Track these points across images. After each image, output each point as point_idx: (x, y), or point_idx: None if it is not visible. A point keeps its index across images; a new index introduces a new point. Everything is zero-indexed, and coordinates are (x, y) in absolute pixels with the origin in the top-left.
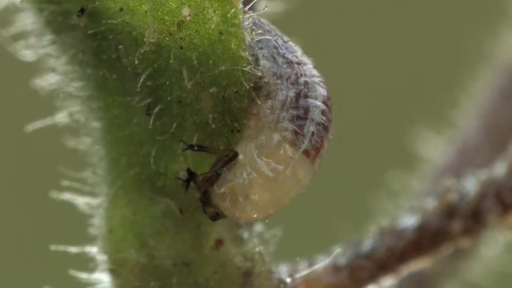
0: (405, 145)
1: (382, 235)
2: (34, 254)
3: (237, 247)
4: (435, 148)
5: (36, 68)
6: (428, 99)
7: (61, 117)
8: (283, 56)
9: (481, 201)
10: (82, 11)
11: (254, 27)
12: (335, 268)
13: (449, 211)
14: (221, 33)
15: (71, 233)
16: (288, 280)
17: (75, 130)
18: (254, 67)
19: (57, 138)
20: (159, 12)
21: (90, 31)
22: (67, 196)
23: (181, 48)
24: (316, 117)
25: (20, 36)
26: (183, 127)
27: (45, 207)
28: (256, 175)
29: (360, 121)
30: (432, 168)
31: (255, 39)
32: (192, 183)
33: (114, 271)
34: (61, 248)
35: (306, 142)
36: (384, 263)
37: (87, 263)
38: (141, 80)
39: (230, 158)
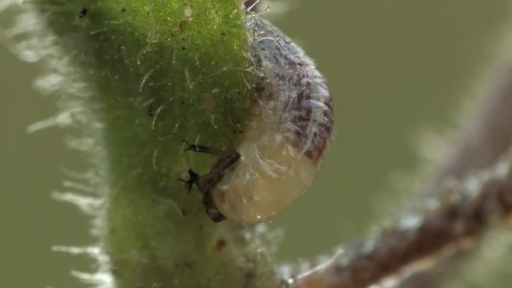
0: (407, 146)
1: (384, 236)
2: (36, 255)
3: (239, 248)
4: (437, 149)
5: (38, 69)
6: (430, 100)
7: (63, 118)
8: (285, 57)
9: (483, 202)
10: (84, 12)
11: (256, 28)
12: (337, 269)
13: (451, 212)
14: (223, 34)
15: (73, 233)
16: (290, 281)
17: (77, 131)
18: (256, 68)
19: (59, 139)
20: (161, 13)
21: (92, 32)
22: (69, 197)
23: (183, 49)
24: (318, 118)
25: (22, 37)
26: (185, 127)
27: (47, 208)
28: (259, 176)
29: (362, 122)
30: (434, 169)
31: (257, 40)
32: (194, 185)
33: (116, 272)
34: (63, 248)
35: (309, 143)
36: (386, 264)
37: (89, 264)
38: (143, 81)
39: (232, 159)
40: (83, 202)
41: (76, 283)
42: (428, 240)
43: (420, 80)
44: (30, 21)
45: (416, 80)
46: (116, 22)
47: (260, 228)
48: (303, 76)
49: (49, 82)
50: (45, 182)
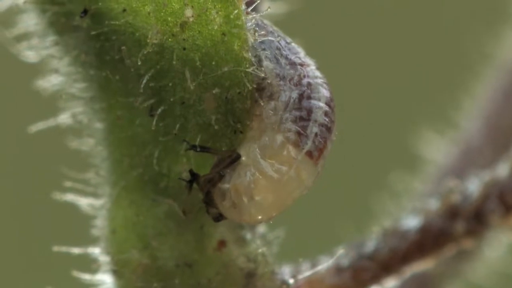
0: (408, 146)
1: (385, 236)
2: (37, 255)
3: (240, 248)
4: (438, 149)
5: (39, 69)
6: (430, 100)
7: (64, 118)
8: (286, 57)
9: (484, 202)
10: (85, 12)
11: (257, 28)
12: (338, 269)
13: (452, 212)
14: (224, 34)
15: (73, 234)
16: (291, 281)
17: (78, 131)
18: (257, 68)
19: (60, 139)
20: (162, 13)
21: (93, 32)
22: (70, 197)
23: (184, 49)
24: (319, 118)
25: (23, 37)
26: (186, 128)
27: (47, 208)
28: (260, 176)
29: (363, 122)
30: (435, 169)
31: (258, 40)
32: (195, 185)
33: (117, 272)
34: (64, 249)
35: (309, 143)
36: (387, 264)
37: (90, 264)
38: (144, 81)
39: (233, 159)
40: (84, 202)
41: (77, 283)
42: (429, 240)
43: (420, 80)
44: (31, 21)
45: (416, 80)
46: (117, 22)
47: (261, 228)
48: (304, 76)
49: (50, 82)
50: (45, 182)
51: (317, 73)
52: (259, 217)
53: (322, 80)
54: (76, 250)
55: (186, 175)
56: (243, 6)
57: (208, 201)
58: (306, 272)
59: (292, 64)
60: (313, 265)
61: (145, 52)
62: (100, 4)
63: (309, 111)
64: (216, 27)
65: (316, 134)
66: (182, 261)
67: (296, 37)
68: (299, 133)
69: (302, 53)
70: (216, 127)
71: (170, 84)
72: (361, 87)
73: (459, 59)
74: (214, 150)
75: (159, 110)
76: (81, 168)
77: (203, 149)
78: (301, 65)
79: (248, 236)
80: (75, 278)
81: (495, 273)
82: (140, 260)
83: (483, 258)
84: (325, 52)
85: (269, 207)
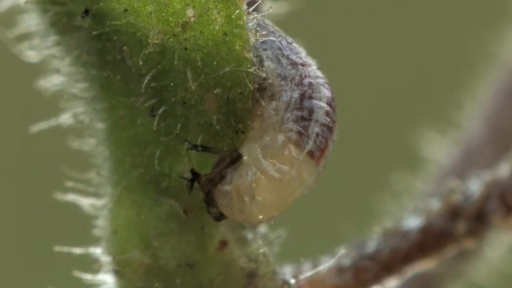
0: (409, 146)
1: (386, 236)
2: (38, 255)
3: (241, 248)
4: (439, 149)
5: (40, 69)
6: (432, 100)
7: (65, 118)
8: (287, 57)
9: (485, 202)
10: (86, 12)
11: (258, 28)
12: (339, 269)
13: (453, 212)
14: (225, 34)
15: (75, 234)
16: (292, 281)
17: (79, 131)
18: (259, 68)
19: (62, 139)
20: (164, 13)
21: (94, 32)
22: (71, 197)
23: (186, 49)
24: (320, 118)
25: (25, 37)
26: (187, 128)
27: (49, 208)
28: (261, 176)
29: (364, 122)
30: (436, 169)
31: (260, 40)
32: (196, 184)
33: (118, 272)
34: (65, 249)
35: (311, 143)
36: (389, 264)
37: (92, 264)
38: (146, 81)
39: (233, 158)
40: (85, 202)
41: (78, 284)
42: (430, 240)
43: (422, 80)
44: (32, 21)
45: (418, 80)
46: (118, 22)
47: (262, 229)
48: (305, 76)
49: (51, 82)
50: (47, 182)
51: (319, 73)
52: (260, 216)
53: (323, 80)
54: (77, 250)
55: (187, 175)
56: (245, 6)
57: (209, 201)
58: (307, 272)
59: (294, 64)
60: (315, 265)
61: (146, 52)
62: (101, 4)
63: (311, 111)
64: (217, 27)
65: (317, 134)
66: (184, 261)
67: (298, 37)
68: (300, 133)
69: (303, 53)
70: (217, 127)
71: (172, 84)
72: (362, 87)
73: (460, 59)
74: (216, 150)
75: (161, 110)
76: (82, 168)
77: (205, 149)
78: (303, 65)
79: (250, 236)
80: (76, 278)
81: (496, 273)
82: (142, 260)
83: (484, 258)
84: (326, 52)
85: (270, 206)
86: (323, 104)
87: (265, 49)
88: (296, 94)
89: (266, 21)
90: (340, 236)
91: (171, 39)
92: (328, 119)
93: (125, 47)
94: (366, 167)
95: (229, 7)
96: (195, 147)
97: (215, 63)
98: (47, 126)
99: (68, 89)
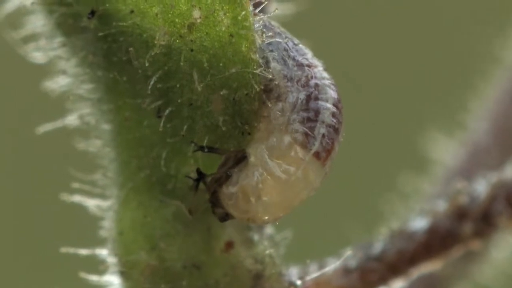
0: (416, 148)
1: (392, 237)
2: (45, 257)
3: (248, 249)
4: (446, 151)
5: (46, 70)
6: (439, 102)
7: (71, 120)
8: (294, 59)
9: (492, 203)
10: (92, 13)
11: (264, 30)
12: (346, 271)
13: (460, 214)
14: (231, 35)
15: (81, 235)
16: (299, 282)
17: (85, 132)
18: (265, 70)
19: (68, 140)
20: (170, 15)
21: (100, 33)
22: (77, 198)
23: (192, 50)
24: (326, 119)
25: (31, 38)
26: (193, 129)
27: (55, 209)
28: (267, 177)
29: (370, 123)
30: (443, 171)
31: (266, 42)
32: (202, 185)
33: (124, 273)
34: (72, 250)
35: (317, 144)
36: (395, 265)
37: (98, 266)
38: (152, 82)
39: (238, 158)
40: (91, 203)
41: (85, 285)
42: (437, 241)
43: (429, 82)
44: (38, 22)
45: (425, 81)
46: (125, 23)
47: (269, 230)
48: (311, 77)
49: (58, 83)
50: (53, 184)
51: (325, 74)
52: (266, 217)
53: (329, 81)
54: (83, 252)
55: (193, 176)
56: (251, 8)
57: (214, 201)
58: (313, 274)
59: (300, 65)
60: (321, 267)
61: (152, 54)
62: (107, 5)
63: (317, 112)
64: (223, 28)
65: (323, 135)
66: (190, 263)
67: (304, 38)
68: (306, 134)
69: (309, 54)
70: (223, 128)
71: (178, 86)
72: (368, 88)
73: (467, 60)
74: (222, 151)
75: (167, 112)
76: (88, 170)
77: (211, 150)
78: (309, 66)
79: (256, 237)
80: (82, 279)
81: (502, 274)
82: (148, 261)
83: (490, 260)
84: (332, 53)
85: (276, 207)
86: (329, 105)
87: (271, 51)
88: (302, 95)
89: (272, 22)
90: (346, 237)
91: (177, 41)
92: (334, 120)
93: (131, 48)
94: (372, 168)
95: (235, 8)
96: (201, 148)
97: (221, 64)
98: (53, 127)
99: (74, 90)
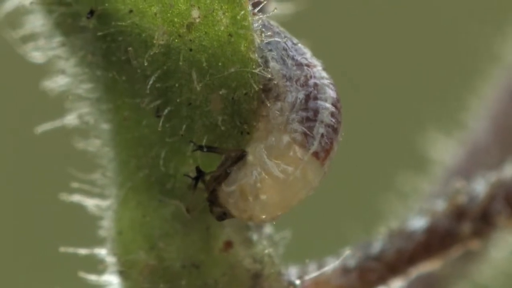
0: (415, 147)
1: (391, 237)
2: (44, 256)
3: (247, 249)
4: (445, 150)
5: (45, 70)
6: (438, 101)
7: (70, 119)
8: (293, 58)
9: (491, 203)
10: (91, 13)
11: (263, 29)
12: (345, 270)
13: (459, 213)
14: (230, 35)
15: (80, 235)
16: (298, 282)
17: (84, 132)
18: (264, 69)
19: (67, 140)
20: (169, 14)
21: (99, 33)
22: (76, 198)
23: (191, 50)
24: (325, 119)
25: (30, 38)
26: (192, 129)
27: (54, 209)
28: (266, 176)
29: (369, 123)
30: (441, 170)
31: (265, 41)
32: (200, 184)
33: (123, 273)
34: (71, 250)
35: (316, 143)
36: (394, 265)
37: (97, 265)
38: (151, 82)
39: (238, 156)
40: (91, 203)
41: (84, 284)
42: (435, 241)
43: (428, 81)
44: (37, 22)
45: (424, 81)
46: (123, 23)
47: (267, 229)
48: (310, 77)
49: (57, 83)
50: (52, 183)
51: (324, 74)
52: (264, 216)
53: (328, 81)
54: (82, 251)
55: (192, 175)
56: (250, 7)
57: (213, 199)
58: (312, 273)
59: (299, 65)
60: (320, 266)
61: (151, 53)
62: (106, 5)
63: (316, 112)
64: (222, 28)
65: (322, 135)
66: (189, 262)
67: (303, 38)
68: (305, 134)
69: (308, 53)
70: (222, 128)
71: (177, 85)
72: (367, 88)
73: (466, 59)
74: (221, 150)
75: (166, 111)
76: (87, 169)
77: (210, 149)
78: (308, 65)
79: (255, 237)
80: (81, 279)
81: (501, 274)
82: (147, 261)
83: (489, 259)
84: (331, 52)
85: (274, 206)
86: (328, 105)
87: (270, 50)
88: (301, 95)
89: (271, 22)
90: (345, 237)
91: (176, 40)
92: (333, 120)
93: (130, 48)
94: (371, 168)
95: (234, 8)
96: (200, 147)
97: (220, 64)
98: (52, 127)
99: (73, 90)
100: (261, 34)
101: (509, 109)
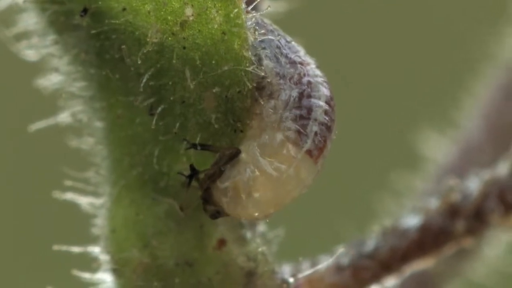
0: (409, 145)
1: (385, 235)
2: (37, 254)
3: (240, 247)
4: (438, 148)
5: (39, 68)
6: (431, 99)
7: (64, 117)
8: (286, 56)
9: (484, 201)
10: (85, 11)
11: (257, 27)
12: (338, 268)
13: (452, 211)
14: (224, 33)
15: (74, 233)
16: (291, 280)
17: (78, 130)
18: (257, 67)
19: (60, 138)
20: (162, 12)
21: (93, 31)
22: (70, 196)
23: (184, 48)
24: (319, 117)
25: (23, 36)
26: (186, 127)
27: (48, 207)
28: (259, 173)
29: (363, 121)
30: (435, 168)
31: (258, 39)
32: (194, 182)
33: (117, 271)
34: (64, 248)
35: (309, 142)
36: (387, 263)
37: (90, 263)
38: (144, 80)
39: (232, 154)
40: (84, 201)
41: (77, 282)
42: (429, 239)
43: (421, 79)
44: (30, 20)
45: (417, 79)
46: (117, 21)
47: (261, 227)
48: (304, 75)
49: (50, 81)
50: (45, 181)
51: (317, 72)
52: (256, 214)
53: (322, 79)
54: (76, 249)
55: (186, 173)
56: (243, 5)
57: (207, 197)
58: (306, 271)
59: (292, 62)
60: (313, 264)
61: (145, 51)
62: (100, 3)
63: (309, 110)
64: (216, 26)
65: (316, 133)
66: (182, 260)
67: (296, 36)
68: (299, 132)
69: (302, 51)
70: (216, 126)
71: (170, 83)
72: (361, 86)
73: (459, 57)
74: (215, 148)
75: (159, 109)
76: (81, 167)
77: (204, 147)
78: (301, 63)
79: (248, 235)
80: (75, 277)
81: (495, 272)
82: (140, 259)
83: (483, 257)
84: (325, 50)
85: (267, 204)
86: (322, 103)
87: (264, 48)
88: (295, 93)
89: (265, 20)
90: (339, 234)
91: (169, 38)
92: (327, 118)
93: (123, 46)
94: (364, 166)
95: (227, 6)
96: (193, 146)
97: (213, 62)
98: (45, 124)
99: (67, 88)
100: (254, 32)
101: (502, 108)
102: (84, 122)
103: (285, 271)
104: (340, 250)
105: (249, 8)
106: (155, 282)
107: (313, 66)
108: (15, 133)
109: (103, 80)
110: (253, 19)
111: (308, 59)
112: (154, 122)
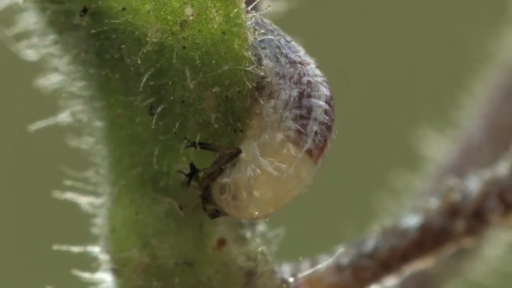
0: (408, 145)
1: (385, 234)
2: (37, 254)
3: (240, 246)
4: (438, 148)
5: (38, 67)
6: (431, 99)
7: (63, 117)
8: (286, 56)
9: (484, 200)
10: (84, 10)
11: (256, 27)
12: (338, 268)
13: (452, 211)
14: (224, 33)
15: (73, 232)
16: (291, 279)
17: (77, 129)
18: (257, 67)
19: (60, 137)
20: (162, 12)
21: (92, 31)
22: (69, 195)
23: (184, 47)
24: (319, 116)
25: (23, 35)
26: (185, 126)
27: (47, 206)
28: (259, 173)
29: (363, 120)
30: (435, 168)
31: (258, 39)
32: (193, 181)
33: (116, 271)
34: (64, 247)
35: (309, 141)
36: (387, 262)
37: (90, 263)
38: (144, 79)
39: (233, 154)
40: (84, 201)
41: (77, 282)
42: (429, 238)
43: (421, 79)
44: (30, 20)
45: (417, 78)
46: (117, 21)
47: (261, 227)
48: (304, 75)
49: (50, 81)
50: (45, 181)
51: (317, 72)
52: (256, 213)
53: (322, 79)
54: (76, 249)
55: (186, 171)
56: (243, 5)
57: (206, 196)
58: (306, 271)
59: (292, 62)
60: (313, 264)
61: (144, 51)
62: (99, 2)
63: (309, 110)
64: (216, 25)
65: (316, 133)
66: (182, 260)
67: (296, 36)
68: (299, 132)
69: (302, 51)
70: (216, 125)
71: (170, 83)
72: (361, 86)
73: (459, 57)
74: (215, 147)
75: (159, 109)
76: (81, 167)
77: (203, 146)
78: (301, 63)
79: (248, 234)
80: (75, 277)
81: (495, 271)
82: (140, 258)
83: (482, 257)
84: (325, 50)
85: (267, 203)
86: (321, 102)
87: (264, 48)
88: (294, 93)
89: (265, 20)
90: (339, 234)
91: (169, 38)
92: (327, 118)
93: (123, 46)
94: (364, 166)
95: (227, 5)
96: (193, 144)
97: (213, 61)
98: (45, 124)
99: (67, 88)
100: (254, 32)
101: (501, 108)
102: (84, 122)
103: (285, 270)
104: (340, 250)
105: (249, 8)
106: (155, 281)
107: (313, 65)
108: (15, 133)
109: (103, 80)
110: (253, 18)
111: (308, 59)
112: (154, 121)
